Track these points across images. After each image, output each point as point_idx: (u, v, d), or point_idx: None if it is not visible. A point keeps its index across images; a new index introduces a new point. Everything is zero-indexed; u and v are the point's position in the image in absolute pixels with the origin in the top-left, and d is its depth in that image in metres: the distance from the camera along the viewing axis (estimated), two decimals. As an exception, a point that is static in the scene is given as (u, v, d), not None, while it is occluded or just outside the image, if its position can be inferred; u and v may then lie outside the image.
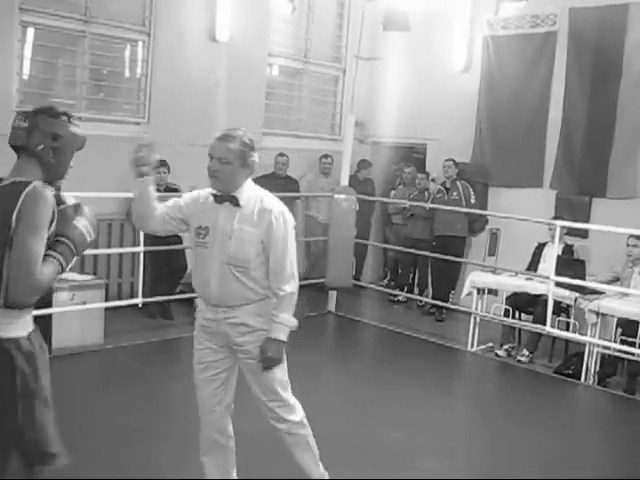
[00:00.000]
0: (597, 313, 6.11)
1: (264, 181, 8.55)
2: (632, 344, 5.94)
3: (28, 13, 6.81)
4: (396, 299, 8.90)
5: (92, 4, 7.20)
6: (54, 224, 2.46)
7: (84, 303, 6.02)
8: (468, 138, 8.79)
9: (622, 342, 6.05)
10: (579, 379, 6.25)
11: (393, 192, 9.26)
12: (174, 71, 7.73)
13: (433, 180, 8.90)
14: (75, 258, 2.57)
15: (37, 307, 2.59)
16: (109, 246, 7.17)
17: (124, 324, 6.60)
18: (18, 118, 2.53)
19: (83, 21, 7.19)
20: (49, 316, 5.71)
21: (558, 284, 6.40)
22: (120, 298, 7.16)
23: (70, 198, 2.61)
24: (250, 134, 3.24)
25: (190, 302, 5.96)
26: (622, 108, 7.52)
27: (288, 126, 9.40)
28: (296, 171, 8.87)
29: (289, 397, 3.43)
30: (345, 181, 7.90)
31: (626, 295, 6.29)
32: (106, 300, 6.45)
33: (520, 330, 7.02)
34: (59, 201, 2.53)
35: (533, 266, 7.13)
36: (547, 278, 6.47)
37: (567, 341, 6.72)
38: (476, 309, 7.02)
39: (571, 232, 7.09)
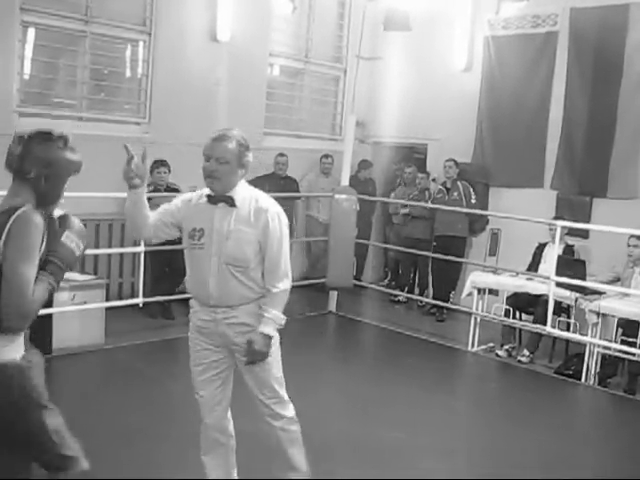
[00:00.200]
0: (598, 313, 6.11)
1: (264, 181, 8.66)
2: (633, 344, 5.94)
3: (29, 13, 6.82)
4: (397, 299, 8.90)
5: (93, 4, 7.20)
6: (44, 246, 2.46)
7: (85, 303, 6.02)
8: (469, 138, 8.79)
9: (623, 342, 6.05)
10: (580, 379, 6.24)
11: (393, 194, 9.24)
12: (175, 71, 7.74)
13: (434, 180, 8.91)
14: (65, 274, 2.58)
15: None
16: (110, 246, 7.17)
17: (125, 324, 6.60)
18: (13, 142, 2.52)
19: (84, 21, 7.19)
20: (50, 316, 5.71)
21: (559, 284, 6.40)
22: (121, 298, 7.16)
23: (57, 210, 2.61)
24: (244, 134, 3.24)
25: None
26: (623, 108, 7.52)
27: (289, 126, 9.40)
28: (297, 171, 8.87)
29: (284, 394, 3.45)
30: (346, 181, 7.89)
31: (627, 295, 6.29)
32: (107, 300, 6.46)
33: (521, 330, 7.03)
34: (48, 219, 2.52)
35: (534, 266, 7.12)
36: (548, 278, 6.47)
37: (568, 341, 6.72)
38: (477, 309, 7.01)
39: (572, 232, 7.09)
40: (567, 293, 6.47)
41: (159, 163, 7.16)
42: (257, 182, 7.98)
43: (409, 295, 8.71)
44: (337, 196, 7.77)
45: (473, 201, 8.18)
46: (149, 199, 6.70)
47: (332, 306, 8.09)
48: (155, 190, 7.01)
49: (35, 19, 6.89)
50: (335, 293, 8.08)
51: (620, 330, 6.19)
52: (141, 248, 6.32)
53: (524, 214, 7.10)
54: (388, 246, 9.29)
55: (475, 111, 8.78)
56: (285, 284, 3.27)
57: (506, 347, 6.89)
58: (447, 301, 8.13)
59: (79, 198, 2.60)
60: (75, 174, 2.61)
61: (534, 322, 6.72)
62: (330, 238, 7.88)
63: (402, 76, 9.27)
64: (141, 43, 7.72)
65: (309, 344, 6.90)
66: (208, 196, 3.24)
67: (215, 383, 3.37)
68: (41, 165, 2.49)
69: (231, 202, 3.19)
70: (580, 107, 7.86)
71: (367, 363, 6.53)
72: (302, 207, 9.16)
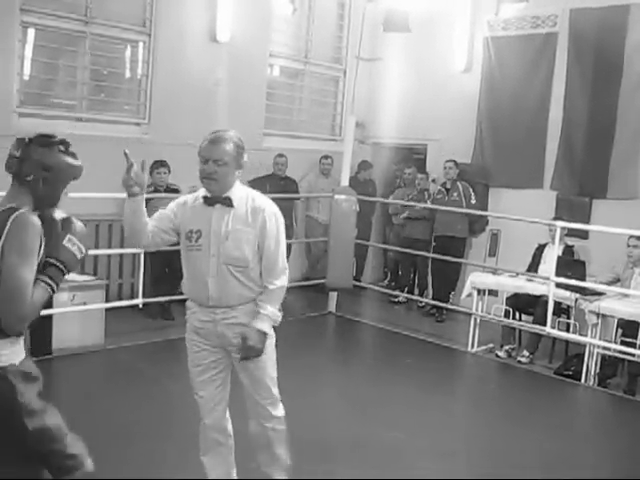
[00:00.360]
0: (597, 314, 6.12)
1: (264, 181, 8.64)
2: (632, 345, 5.94)
3: (29, 14, 6.81)
4: (396, 300, 8.90)
5: (93, 5, 7.20)
6: (42, 248, 2.46)
7: (85, 304, 6.02)
8: (468, 139, 8.79)
9: (622, 343, 6.05)
10: (579, 380, 6.24)
11: (391, 197, 9.22)
12: (175, 72, 7.74)
13: (433, 181, 8.91)
14: (65, 277, 2.58)
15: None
16: (110, 247, 7.17)
17: (125, 325, 6.61)
18: (13, 146, 2.53)
19: (84, 22, 7.19)
20: (50, 317, 5.71)
21: (558, 285, 6.40)
22: (121, 299, 7.16)
23: (58, 213, 2.61)
24: (240, 134, 3.25)
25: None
26: (623, 109, 7.52)
27: (289, 127, 9.40)
28: (296, 172, 8.87)
29: (277, 393, 3.46)
30: (345, 182, 7.89)
31: (626, 296, 6.29)
32: (107, 301, 6.45)
33: (520, 331, 7.03)
34: (48, 219, 2.52)
35: (533, 267, 7.13)
36: (547, 279, 6.47)
37: (567, 342, 6.72)
38: (476, 310, 7.01)
39: (571, 233, 7.09)
40: (567, 294, 6.47)
41: (159, 164, 7.16)
42: (257, 182, 8.04)
43: (409, 296, 8.71)
44: (337, 197, 7.77)
45: (473, 202, 8.18)
46: (149, 200, 6.71)
47: (332, 307, 8.09)
48: (155, 191, 7.02)
49: (35, 20, 6.89)
50: (335, 294, 8.08)
51: (620, 331, 6.19)
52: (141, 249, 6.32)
53: (524, 215, 7.10)
54: (388, 247, 9.29)
55: (475, 112, 8.78)
56: (282, 281, 3.29)
57: (506, 348, 6.90)
58: (447, 302, 8.13)
59: (79, 199, 2.59)
60: (75, 179, 2.60)
61: (534, 323, 6.72)
62: (330, 239, 7.88)
63: (402, 77, 9.28)
64: (141, 44, 7.73)
65: (309, 345, 6.90)
66: (205, 197, 3.25)
67: (214, 383, 3.38)
68: (40, 168, 2.49)
69: (229, 203, 3.21)
70: (580, 108, 7.86)
71: (367, 364, 6.53)
72: (302, 208, 9.16)
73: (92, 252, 6.84)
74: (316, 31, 9.40)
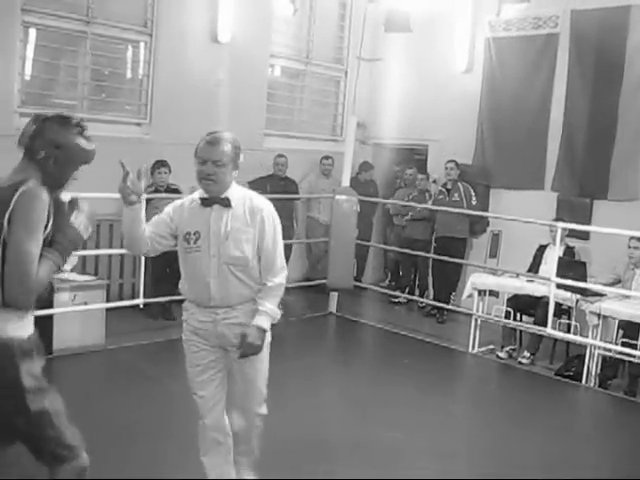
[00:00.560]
0: (598, 315, 6.12)
1: (264, 182, 8.63)
2: (633, 346, 5.94)
3: (30, 14, 6.82)
4: (397, 300, 8.90)
5: (94, 5, 7.20)
6: (50, 224, 2.45)
7: (85, 304, 6.03)
8: (469, 139, 8.79)
9: (623, 344, 6.04)
10: (580, 381, 6.24)
11: (392, 198, 9.22)
12: (176, 72, 7.74)
13: (434, 182, 8.91)
14: (72, 254, 2.57)
15: (38, 308, 2.59)
16: (110, 247, 7.17)
17: (125, 325, 6.61)
18: (30, 121, 2.53)
19: (85, 22, 7.19)
20: (50, 317, 5.71)
21: (559, 286, 6.39)
22: (121, 299, 7.17)
23: (65, 195, 2.59)
24: (236, 135, 3.27)
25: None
26: (623, 110, 7.52)
27: (290, 127, 9.40)
28: (297, 172, 8.87)
29: (265, 393, 3.51)
30: (346, 182, 7.90)
31: (627, 297, 6.29)
32: (107, 301, 6.46)
33: (521, 332, 7.02)
34: (56, 200, 2.51)
35: (534, 268, 7.12)
36: (548, 280, 6.47)
37: (568, 343, 6.72)
38: (477, 311, 7.01)
39: (572, 234, 7.08)
40: (568, 295, 6.47)
41: (159, 164, 7.17)
42: (257, 183, 8.04)
43: (409, 296, 8.71)
44: (338, 197, 7.77)
45: (474, 202, 8.18)
46: (149, 200, 6.72)
47: (332, 307, 8.09)
48: (155, 191, 7.03)
49: (36, 20, 6.89)
50: (335, 294, 8.08)
51: (621, 332, 6.19)
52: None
53: (525, 216, 7.09)
54: (388, 247, 9.28)
55: (476, 112, 8.78)
56: (281, 279, 3.32)
57: (506, 349, 6.89)
58: (447, 302, 8.12)
59: (79, 199, 2.58)
60: (86, 164, 2.59)
61: (535, 324, 6.72)
62: (331, 239, 7.89)
63: (403, 77, 9.28)
64: (142, 44, 7.73)
65: (309, 345, 6.90)
66: (202, 199, 3.27)
67: (214, 383, 3.39)
68: (52, 146, 2.49)
69: (227, 203, 3.23)
70: (581, 109, 7.86)
71: (367, 364, 6.53)
72: (303, 208, 9.16)
73: (93, 252, 6.86)
74: (317, 31, 9.40)
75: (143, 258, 6.30)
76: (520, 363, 6.72)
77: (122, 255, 7.28)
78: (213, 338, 3.32)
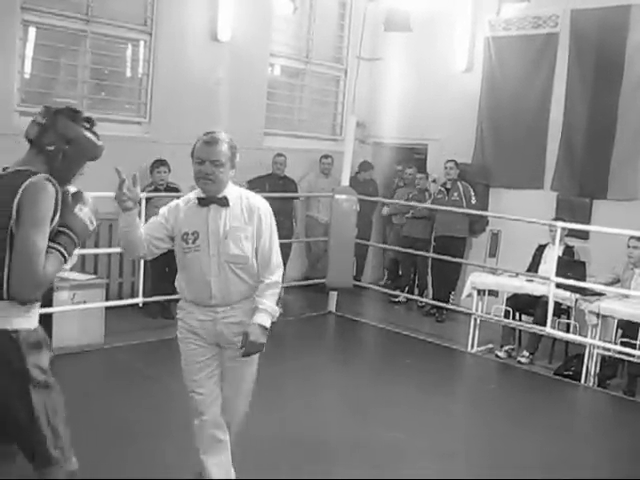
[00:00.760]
0: (597, 314, 6.12)
1: (263, 181, 8.62)
2: (632, 346, 5.94)
3: (30, 12, 6.81)
4: (396, 300, 8.90)
5: (94, 3, 7.20)
6: (57, 216, 2.43)
7: (85, 302, 6.03)
8: (469, 139, 8.79)
9: (622, 344, 6.05)
10: (579, 380, 6.24)
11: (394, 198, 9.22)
12: (176, 71, 7.74)
13: (434, 181, 8.91)
14: (77, 247, 2.55)
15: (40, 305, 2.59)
16: (110, 246, 7.17)
17: (125, 324, 6.61)
18: (39, 113, 2.50)
19: (85, 20, 7.19)
20: (50, 315, 5.71)
21: (558, 285, 6.40)
22: (121, 298, 7.17)
23: (70, 187, 2.58)
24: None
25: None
26: (623, 109, 7.52)
27: (289, 126, 9.40)
28: (297, 171, 8.87)
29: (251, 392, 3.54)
30: (346, 181, 7.89)
31: (626, 297, 6.29)
32: (107, 299, 6.46)
33: (520, 331, 7.03)
34: (62, 192, 2.49)
35: (534, 267, 7.12)
36: (548, 279, 6.47)
37: (567, 342, 6.72)
38: (476, 310, 7.02)
39: (572, 233, 7.09)
40: (567, 294, 6.47)
41: (159, 163, 7.17)
42: (256, 182, 8.04)
43: (409, 295, 8.71)
44: (337, 196, 7.77)
45: (473, 202, 8.18)
46: (149, 199, 6.72)
47: (332, 306, 8.09)
48: (155, 190, 7.03)
49: (36, 18, 6.89)
50: (335, 293, 8.08)
51: (620, 331, 6.19)
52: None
53: (524, 215, 7.10)
54: (388, 247, 9.27)
55: (475, 112, 8.78)
56: (278, 276, 3.36)
57: (506, 348, 6.90)
58: (447, 302, 8.13)
59: (83, 191, 2.58)
60: (94, 160, 2.58)
61: (534, 323, 6.72)
62: (330, 238, 7.89)
63: (403, 77, 9.28)
64: (142, 43, 7.72)
65: (309, 344, 6.90)
66: (199, 198, 3.29)
67: (212, 379, 3.41)
68: (62, 140, 2.47)
69: (225, 202, 3.27)
70: (580, 108, 7.86)
71: (367, 364, 6.53)
72: (302, 207, 9.15)
73: (92, 251, 6.86)
74: (317, 30, 9.40)
75: (142, 257, 6.29)
76: (519, 362, 6.72)
77: (121, 254, 7.25)
78: (211, 336, 3.35)
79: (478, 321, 7.01)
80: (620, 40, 7.49)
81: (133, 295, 7.02)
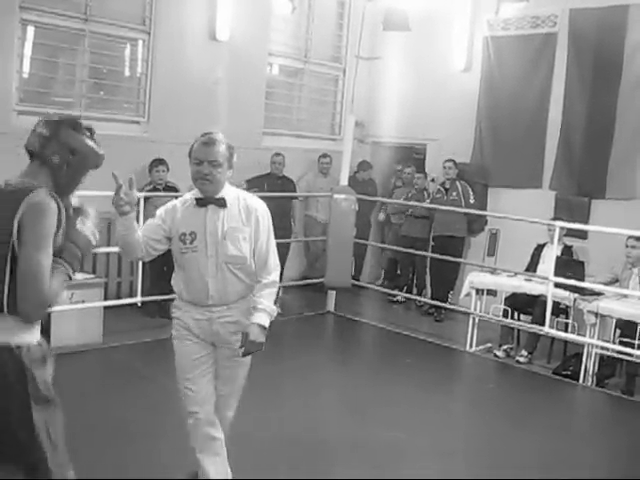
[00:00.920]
0: (596, 314, 6.12)
1: (262, 180, 8.61)
2: (631, 345, 5.94)
3: (28, 11, 6.81)
4: (395, 299, 8.90)
5: (92, 3, 7.19)
6: (60, 232, 2.40)
7: (83, 302, 6.02)
8: (468, 138, 8.79)
9: (621, 343, 6.05)
10: (578, 380, 6.25)
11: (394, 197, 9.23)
12: (174, 70, 7.73)
13: (433, 180, 8.91)
14: (82, 262, 2.53)
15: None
16: (108, 245, 7.16)
17: (123, 323, 6.61)
18: (41, 124, 2.46)
19: (83, 20, 7.18)
20: (48, 314, 5.70)
21: (557, 285, 6.40)
22: (119, 297, 7.17)
23: (73, 199, 2.56)
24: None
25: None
26: (622, 109, 7.52)
27: (288, 126, 9.40)
28: (296, 171, 8.87)
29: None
30: (345, 181, 7.89)
31: (625, 296, 6.29)
32: (105, 299, 6.47)
33: (519, 331, 7.03)
34: (64, 207, 2.45)
35: (532, 267, 7.12)
36: (546, 279, 6.47)
37: (566, 342, 6.72)
38: (475, 309, 7.02)
39: (570, 233, 7.08)
40: (565, 294, 6.47)
41: (158, 162, 7.17)
42: (255, 181, 8.04)
43: (407, 295, 8.71)
44: (336, 196, 7.77)
45: (472, 201, 8.18)
46: (147, 198, 6.71)
47: (330, 306, 8.09)
48: (154, 189, 7.03)
49: (34, 17, 6.88)
50: (333, 293, 8.08)
51: (618, 331, 6.19)
52: (140, 247, 6.31)
53: (523, 214, 7.10)
54: (386, 246, 9.26)
55: (474, 111, 8.78)
56: (275, 276, 3.38)
57: (504, 347, 6.90)
58: (445, 301, 8.13)
59: (77, 197, 2.57)
60: (96, 168, 2.55)
61: (532, 322, 6.72)
62: (329, 238, 7.88)
63: (401, 76, 9.28)
64: (140, 42, 7.72)
65: (307, 344, 6.90)
66: (197, 199, 3.31)
67: (206, 377, 3.42)
68: (67, 151, 2.44)
69: (223, 203, 3.28)
70: (579, 108, 7.86)
71: (365, 363, 6.53)
72: (300, 207, 9.15)
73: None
74: (316, 30, 9.39)
75: (141, 256, 6.29)
76: (518, 362, 6.72)
77: (120, 254, 7.27)
78: (207, 335, 3.37)
79: (477, 320, 7.01)
80: (618, 40, 7.49)
81: (131, 295, 7.01)
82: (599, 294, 6.31)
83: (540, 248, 7.17)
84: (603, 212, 7.60)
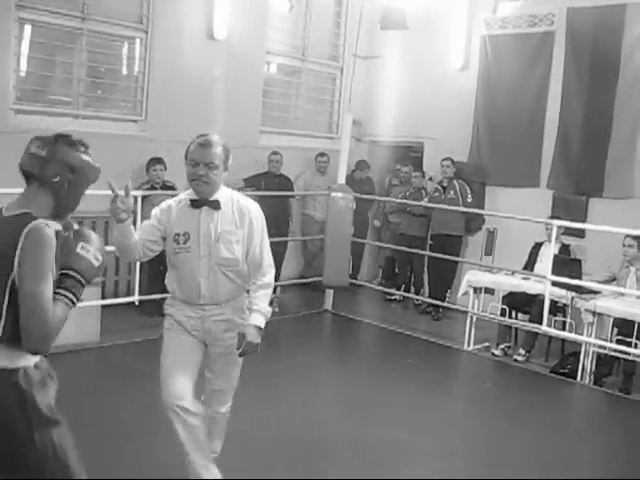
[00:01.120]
0: (593, 313, 6.13)
1: (259, 179, 8.58)
2: (628, 344, 5.95)
3: (25, 10, 6.79)
4: (393, 298, 8.90)
5: (89, 1, 7.17)
6: (58, 260, 2.35)
7: (81, 301, 5.99)
8: (465, 137, 8.79)
9: (618, 342, 6.06)
10: (575, 378, 6.26)
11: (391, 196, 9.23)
12: (172, 69, 7.72)
13: (430, 179, 8.90)
14: (85, 287, 2.47)
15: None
16: (106, 244, 7.13)
17: (121, 322, 6.59)
18: (36, 145, 2.38)
19: (80, 18, 7.17)
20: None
21: (555, 283, 6.40)
22: (117, 296, 7.17)
23: (74, 224, 2.50)
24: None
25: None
26: (619, 107, 7.53)
27: (285, 124, 9.39)
28: (293, 169, 8.86)
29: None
30: (342, 180, 7.89)
31: (622, 295, 6.30)
32: (103, 298, 6.46)
33: (516, 329, 7.03)
34: (63, 230, 2.40)
35: (530, 265, 7.13)
36: (544, 277, 6.48)
37: (563, 340, 6.73)
38: (473, 308, 7.02)
39: (568, 232, 7.09)
40: (563, 292, 6.48)
41: (155, 161, 7.16)
42: (252, 180, 8.04)
43: (405, 294, 8.71)
44: (333, 194, 7.76)
45: (469, 200, 8.18)
46: (145, 197, 6.69)
47: (328, 304, 8.09)
48: (151, 188, 7.02)
49: (31, 16, 6.87)
50: (331, 291, 8.08)
51: (615, 329, 6.20)
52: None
53: (520, 213, 7.10)
54: (384, 244, 9.26)
55: (472, 110, 8.78)
56: (270, 276, 3.41)
57: (502, 346, 6.90)
58: (443, 300, 8.13)
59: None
60: (94, 182, 2.50)
61: (530, 321, 6.72)
62: (326, 236, 7.88)
63: (399, 75, 9.28)
64: (138, 41, 7.71)
65: (305, 343, 6.90)
66: (192, 200, 3.32)
67: (191, 368, 3.43)
68: (67, 170, 2.38)
69: (217, 205, 3.30)
70: (576, 106, 7.87)
71: (363, 362, 6.53)
72: (298, 205, 9.15)
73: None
74: (313, 28, 9.39)
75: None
76: (515, 360, 6.73)
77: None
78: (198, 332, 3.41)
79: (474, 319, 7.02)
80: (616, 39, 7.50)
81: (129, 293, 7.00)
82: (596, 293, 6.32)
83: (538, 247, 7.17)
84: (600, 211, 7.60)
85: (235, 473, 3.60)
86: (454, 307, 7.81)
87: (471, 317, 7.03)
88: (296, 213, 9.02)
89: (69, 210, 2.47)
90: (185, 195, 3.38)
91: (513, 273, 7.04)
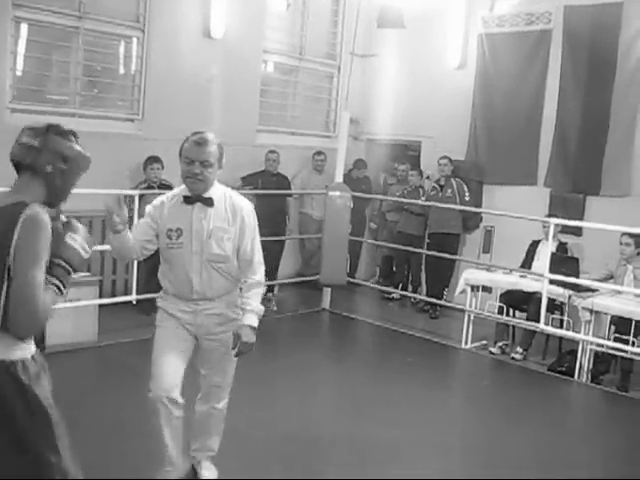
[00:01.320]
0: (591, 311, 6.13)
1: (256, 178, 8.57)
2: (625, 341, 5.95)
3: (21, 9, 6.77)
4: (390, 296, 8.90)
5: (86, 0, 7.16)
6: (49, 247, 2.36)
7: (78, 300, 6.00)
8: (463, 135, 8.79)
9: (615, 339, 6.07)
10: (573, 376, 6.26)
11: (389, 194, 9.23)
12: (168, 68, 7.71)
13: (428, 178, 8.90)
14: (72, 277, 2.50)
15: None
16: (103, 243, 7.15)
17: (118, 321, 6.58)
18: (27, 134, 2.40)
19: (77, 17, 7.15)
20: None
21: (552, 282, 6.41)
22: (114, 295, 7.16)
23: (62, 216, 2.52)
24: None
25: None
26: (616, 105, 7.53)
27: (283, 123, 9.38)
28: (290, 168, 8.85)
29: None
30: (340, 178, 7.89)
31: (619, 293, 6.31)
32: (100, 297, 6.45)
33: (514, 327, 7.04)
34: (53, 220, 2.41)
35: (527, 264, 7.13)
36: (541, 276, 6.48)
37: (561, 338, 6.74)
38: (470, 306, 7.03)
39: (565, 230, 7.10)
40: (560, 290, 6.48)
41: (152, 159, 7.15)
42: (250, 179, 8.03)
43: (403, 292, 8.71)
44: (331, 193, 7.76)
45: (467, 198, 8.19)
46: (142, 196, 6.68)
47: (326, 303, 8.08)
48: (148, 187, 7.01)
49: (28, 15, 6.85)
50: (329, 290, 8.08)
51: (613, 327, 6.21)
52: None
53: (518, 211, 7.10)
54: (382, 243, 9.25)
55: (469, 109, 8.78)
56: (260, 274, 3.45)
57: (499, 344, 6.91)
58: (441, 298, 8.13)
59: (72, 194, 2.56)
60: (85, 172, 2.53)
61: (527, 319, 6.73)
62: (324, 235, 7.87)
63: (396, 73, 9.27)
64: (135, 39, 7.69)
65: (302, 341, 6.90)
66: (185, 197, 3.35)
67: (180, 360, 3.43)
68: (59, 159, 2.41)
69: (210, 202, 3.34)
70: (573, 105, 7.87)
71: (361, 360, 6.53)
72: (295, 204, 9.14)
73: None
74: (310, 27, 9.38)
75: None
76: (513, 359, 6.73)
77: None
78: (191, 326, 3.45)
79: (472, 317, 7.03)
80: (613, 37, 7.50)
81: (126, 292, 6.99)
82: (594, 291, 6.33)
83: (535, 245, 7.18)
84: (598, 209, 7.61)
85: (232, 473, 3.60)
86: (452, 305, 7.81)
87: (469, 315, 7.03)
88: (293, 212, 9.01)
89: (61, 199, 2.50)
90: (178, 191, 3.41)
91: (511, 271, 7.05)
